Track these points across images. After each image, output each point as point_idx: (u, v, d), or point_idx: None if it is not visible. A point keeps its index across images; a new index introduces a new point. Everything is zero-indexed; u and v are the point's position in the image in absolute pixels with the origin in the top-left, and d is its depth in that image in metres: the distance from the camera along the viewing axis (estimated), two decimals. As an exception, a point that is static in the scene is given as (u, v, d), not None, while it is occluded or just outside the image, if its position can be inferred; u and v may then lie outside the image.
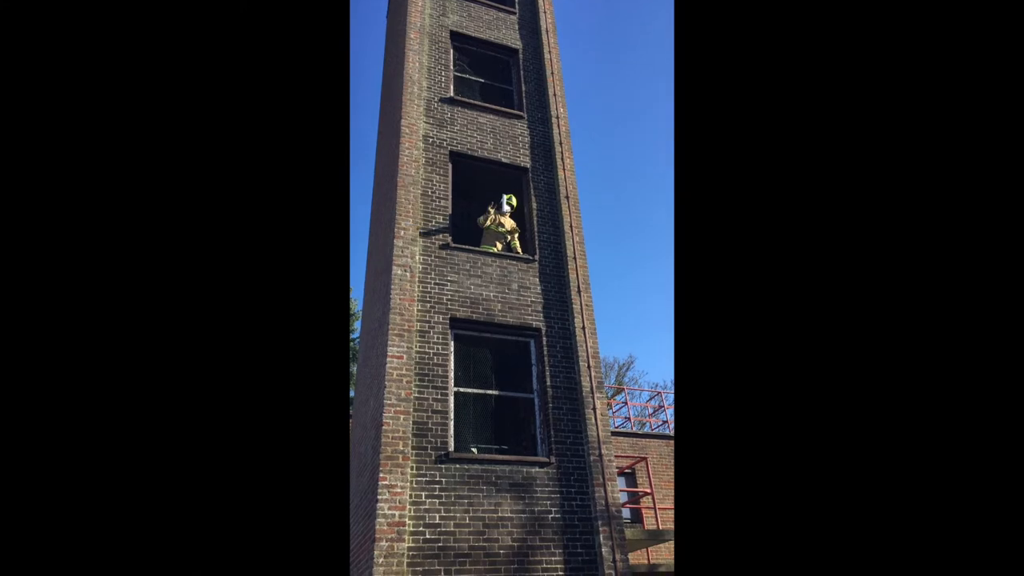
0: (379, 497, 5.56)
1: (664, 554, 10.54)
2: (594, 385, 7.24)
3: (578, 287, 7.88)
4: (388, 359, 6.33)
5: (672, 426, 14.21)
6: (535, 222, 8.24)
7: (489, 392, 6.95)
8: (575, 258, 8.11)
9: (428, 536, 5.69)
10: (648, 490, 9.02)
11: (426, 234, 7.43)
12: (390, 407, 6.08)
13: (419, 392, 6.41)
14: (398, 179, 7.57)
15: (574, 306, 7.68)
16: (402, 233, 7.21)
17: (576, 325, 7.54)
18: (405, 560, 5.43)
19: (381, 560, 5.29)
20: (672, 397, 23.62)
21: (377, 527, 5.41)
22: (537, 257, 7.94)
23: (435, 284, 7.21)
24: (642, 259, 48.82)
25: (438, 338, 6.83)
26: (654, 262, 48.53)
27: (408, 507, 5.71)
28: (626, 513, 10.82)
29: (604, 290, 42.47)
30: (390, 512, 5.55)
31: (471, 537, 5.83)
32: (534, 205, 8.39)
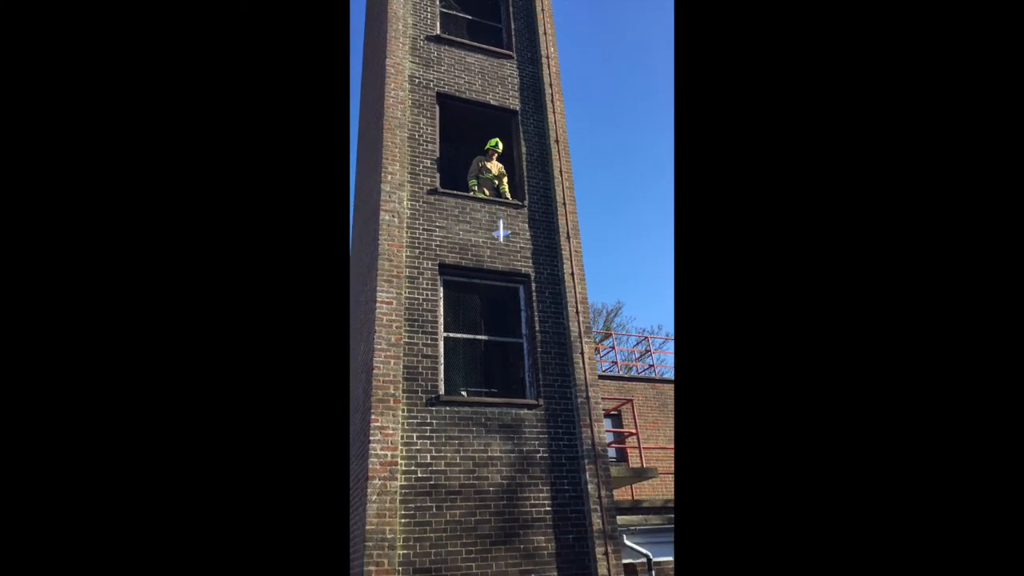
0: (371, 438, 5.70)
1: (647, 491, 11.01)
2: (582, 330, 7.35)
3: (567, 233, 7.86)
4: (377, 305, 6.35)
5: (658, 370, 14.54)
6: (524, 167, 8.12)
7: (479, 337, 7.03)
8: (564, 204, 8.04)
9: (420, 475, 5.88)
10: (633, 430, 9.33)
11: (414, 179, 7.31)
12: (380, 352, 6.15)
13: (409, 337, 6.47)
14: (384, 122, 7.38)
15: (563, 252, 7.68)
16: (389, 178, 7.09)
17: (565, 271, 7.57)
18: (398, 497, 5.64)
19: (375, 497, 5.48)
20: (658, 342, 24.07)
21: (370, 466, 5.58)
22: (526, 203, 7.87)
23: (423, 230, 7.15)
24: (632, 205, 48.61)
25: (427, 284, 6.84)
26: (645, 209, 48.36)
27: (400, 448, 5.87)
28: (611, 452, 11.23)
29: (593, 236, 42.45)
30: (382, 452, 5.71)
31: (461, 475, 6.04)
32: (523, 149, 8.25)
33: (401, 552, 5.46)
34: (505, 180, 8.08)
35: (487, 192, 7.90)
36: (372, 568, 5.22)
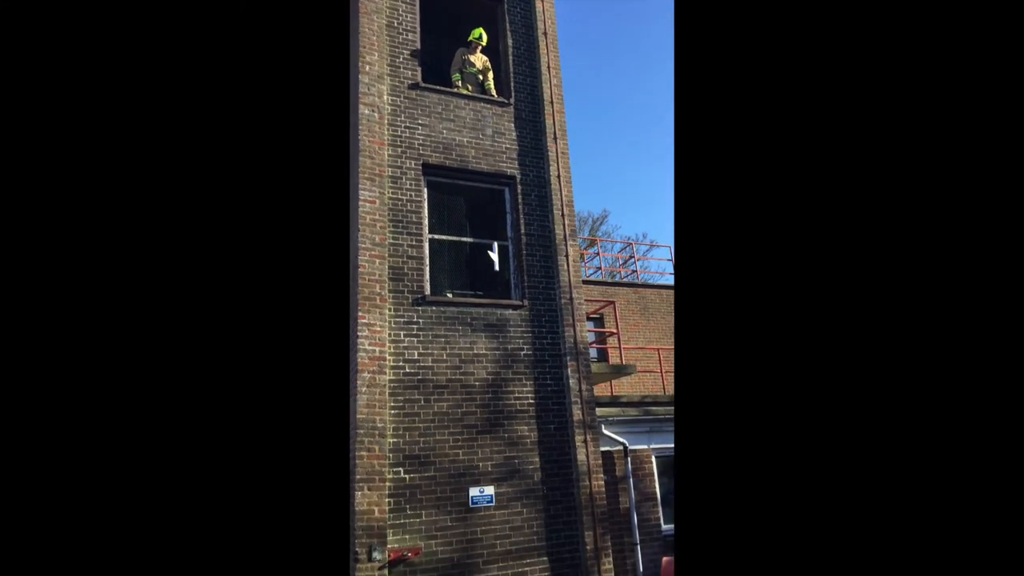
0: (359, 334, 5.82)
1: (626, 388, 11.57)
2: (567, 233, 7.35)
3: (554, 134, 7.64)
4: (360, 203, 6.25)
5: (641, 276, 14.77)
6: (510, 62, 7.73)
7: (464, 239, 7.02)
8: (552, 102, 7.76)
9: (408, 370, 6.08)
10: (614, 330, 9.63)
11: (394, 72, 6.95)
12: (365, 251, 6.13)
13: (393, 238, 6.44)
14: (360, 5, 6.88)
15: (549, 153, 7.51)
16: (367, 68, 6.73)
17: (551, 173, 7.44)
18: (387, 390, 5.86)
19: (364, 389, 5.69)
20: (642, 249, 24.28)
21: (359, 361, 5.74)
22: (512, 100, 7.57)
23: (405, 127, 6.90)
24: (620, 111, 47.07)
25: (411, 184, 6.71)
26: (633, 116, 46.90)
27: (387, 344, 6.02)
28: (593, 353, 11.66)
29: (579, 142, 41.40)
30: (370, 348, 5.86)
31: (448, 371, 6.26)
32: (509, 42, 7.81)
33: (391, 440, 5.76)
34: (490, 76, 7.71)
35: (471, 88, 7.56)
36: (364, 453, 5.52)
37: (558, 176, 7.45)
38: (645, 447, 7.22)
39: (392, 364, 6.01)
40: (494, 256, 6.63)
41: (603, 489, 6.47)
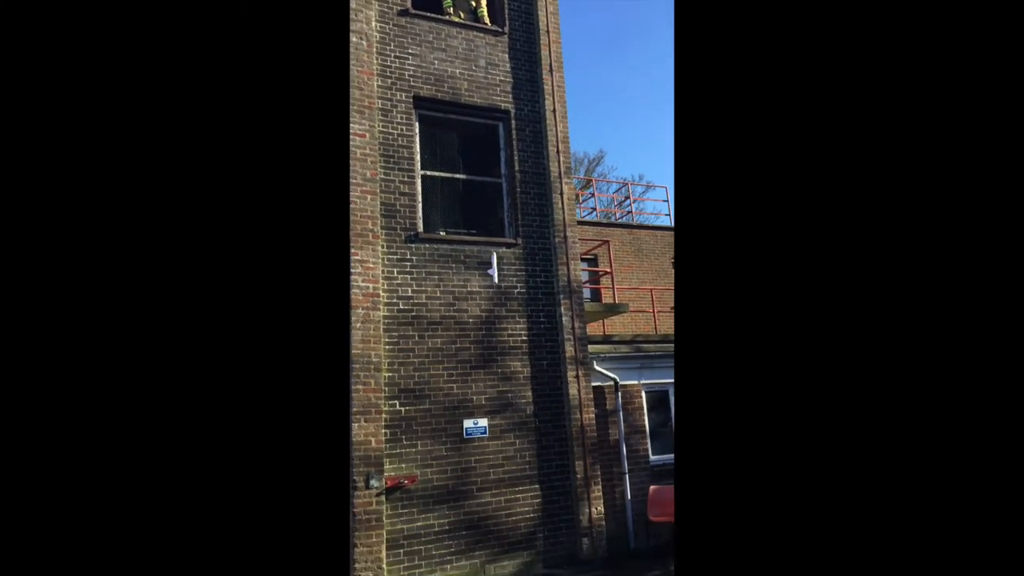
0: (352, 271, 5.81)
1: (618, 327, 11.73)
2: (562, 170, 7.24)
3: (550, 66, 7.39)
4: (350, 137, 6.10)
5: (636, 217, 14.68)
6: (505, -13, 7.36)
7: (457, 176, 6.90)
8: (548, 32, 7.46)
9: (401, 307, 6.11)
10: (608, 270, 9.66)
11: (382, -3, 6.61)
12: (356, 186, 6.03)
13: (385, 174, 6.33)
14: (344, -75, 6.47)
15: (545, 87, 7.28)
16: (354, -6, 6.40)
17: (546, 108, 7.24)
18: (381, 326, 5.91)
19: (358, 325, 5.74)
20: (639, 190, 24.02)
21: (353, 296, 5.76)
22: (506, 30, 7.27)
23: (395, 57, 6.64)
24: (620, 50, 45.39)
25: (401, 118, 6.53)
26: (632, 54, 45.24)
27: (381, 281, 6.02)
28: (586, 293, 11.75)
29: (576, 81, 40.12)
30: (364, 284, 5.86)
31: (442, 308, 6.30)
32: (504, -35, 7.41)
33: (387, 374, 5.87)
34: (483, 2, 7.36)
35: (463, 16, 7.23)
36: (360, 387, 5.62)
37: (553, 111, 7.26)
38: (635, 382, 7.39)
39: (386, 301, 6.03)
40: (494, 272, 6.51)
41: (594, 422, 6.67)
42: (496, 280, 6.34)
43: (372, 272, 5.94)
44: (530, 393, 6.50)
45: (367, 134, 6.20)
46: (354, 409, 5.55)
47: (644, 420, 7.32)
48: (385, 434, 5.70)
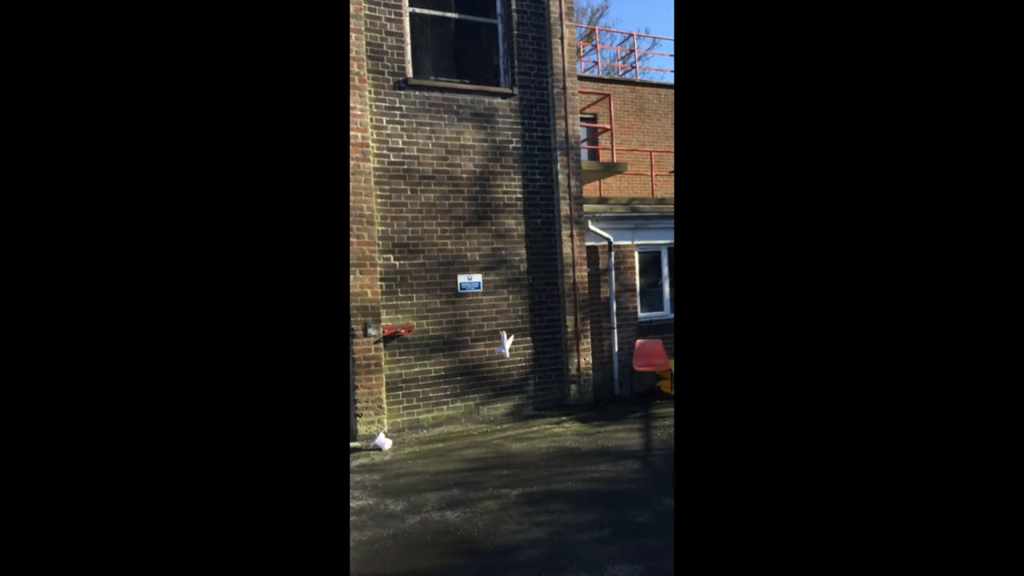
0: (339, 119, 5.52)
1: (614, 191, 11.55)
2: (563, 11, 6.62)
3: None
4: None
5: (640, 73, 13.81)
6: None
7: (448, 15, 6.30)
8: None
9: (392, 159, 5.90)
10: (608, 126, 9.27)
11: None
12: (338, 24, 5.52)
13: (370, 9, 5.76)
14: None
15: (547, -93, 6.41)
16: None
17: (548, -66, 6.43)
18: (372, 178, 5.74)
19: (349, 176, 5.57)
20: (646, 43, 22.39)
21: (341, 148, 5.53)
22: None
23: None
24: None
25: (385, -58, 5.81)
26: None
27: (370, 130, 5.75)
28: (584, 155, 11.39)
29: (585, -85, 35.50)
30: (352, 134, 5.60)
31: (435, 161, 6.09)
32: None
33: (380, 228, 5.82)
34: None
35: None
36: (354, 240, 5.60)
37: (556, -62, 6.46)
38: (629, 243, 7.42)
39: (376, 152, 5.80)
40: (506, 350, 6.12)
41: (586, 279, 6.79)
42: (507, 355, 6.13)
43: (360, 120, 5.64)
44: (524, 251, 6.53)
45: (347, -40, 5.55)
46: (350, 262, 5.57)
47: (635, 279, 7.46)
48: (381, 286, 5.80)
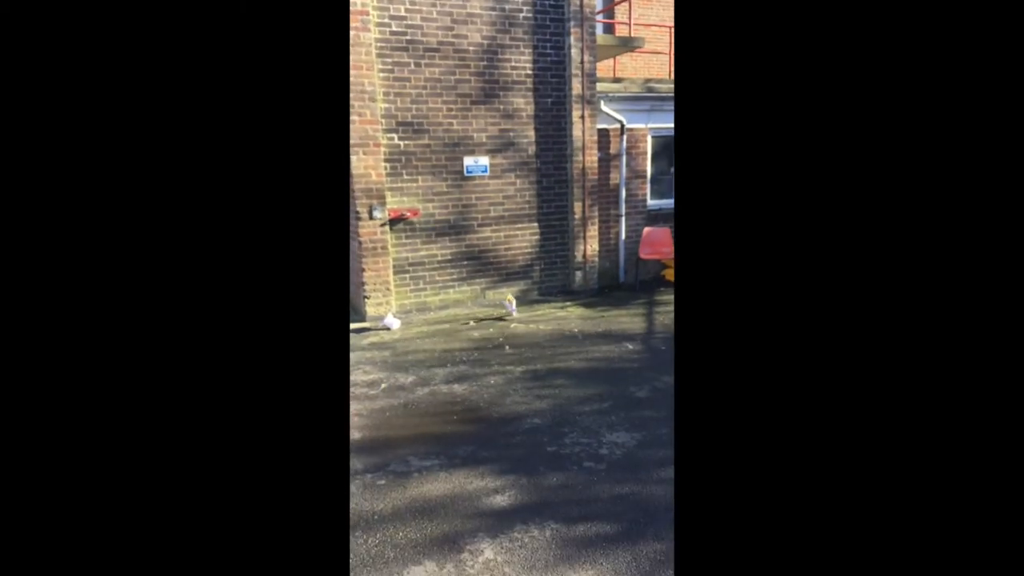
0: (335, -19, 5.07)
1: (629, 72, 10.88)
2: None
3: None
4: None
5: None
6: None
7: None
8: None
9: (395, 28, 5.50)
10: None
11: None
12: None
13: None
14: None
15: None
16: None
17: None
18: (373, 50, 5.40)
19: (349, 48, 5.23)
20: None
21: (338, 14, 5.14)
22: None
23: None
24: None
25: None
26: None
27: (369, -5, 5.31)
28: (600, 29, 10.58)
29: None
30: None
31: (440, 32, 5.69)
32: None
33: (383, 105, 5.56)
34: None
35: None
36: (356, 118, 5.38)
37: None
38: (643, 126, 7.10)
39: (377, 21, 5.40)
40: (513, 310, 5.65)
41: (596, 165, 6.59)
42: (514, 314, 5.73)
43: (358, -18, 5.18)
44: (532, 133, 6.28)
45: None
46: (352, 141, 5.39)
47: (646, 166, 7.25)
48: (385, 168, 5.66)
